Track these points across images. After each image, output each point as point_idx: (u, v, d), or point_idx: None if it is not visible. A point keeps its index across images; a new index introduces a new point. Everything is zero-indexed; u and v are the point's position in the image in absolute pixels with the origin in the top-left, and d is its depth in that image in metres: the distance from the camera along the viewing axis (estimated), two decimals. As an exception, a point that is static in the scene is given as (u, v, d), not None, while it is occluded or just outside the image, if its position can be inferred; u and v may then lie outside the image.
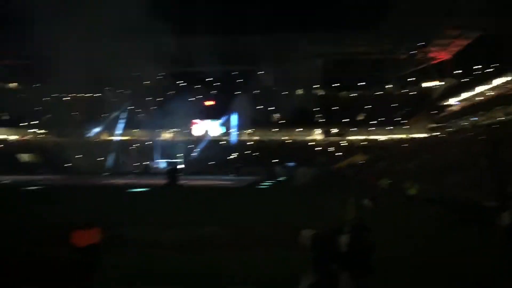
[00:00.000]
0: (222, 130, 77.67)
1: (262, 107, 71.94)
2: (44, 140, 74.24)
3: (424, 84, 74.22)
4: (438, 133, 61.30)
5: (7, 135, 73.36)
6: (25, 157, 65.79)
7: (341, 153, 65.51)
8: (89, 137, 74.75)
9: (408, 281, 9.36)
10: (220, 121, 77.25)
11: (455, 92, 62.01)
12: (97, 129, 75.03)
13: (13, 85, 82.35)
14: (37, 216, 17.28)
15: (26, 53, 79.52)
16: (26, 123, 73.60)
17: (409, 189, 23.60)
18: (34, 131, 76.03)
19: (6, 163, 58.12)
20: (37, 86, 78.32)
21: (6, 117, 73.36)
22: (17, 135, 74.00)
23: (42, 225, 14.94)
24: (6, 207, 19.66)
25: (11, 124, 73.35)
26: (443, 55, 69.93)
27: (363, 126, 72.93)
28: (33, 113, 71.48)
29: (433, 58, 70.63)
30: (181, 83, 78.88)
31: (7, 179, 44.33)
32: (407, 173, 37.06)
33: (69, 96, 76.96)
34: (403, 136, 68.25)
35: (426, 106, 67.38)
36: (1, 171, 52.35)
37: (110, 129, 75.25)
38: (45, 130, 76.11)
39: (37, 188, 32.92)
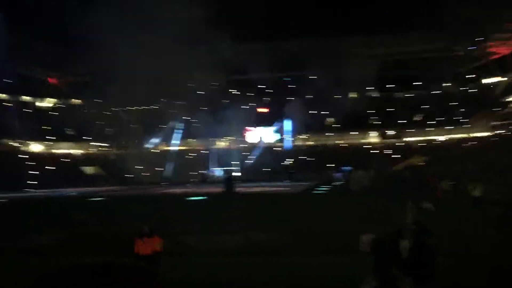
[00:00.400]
0: (276, 136, 77.83)
1: (315, 111, 71.40)
2: (106, 153, 77.36)
3: (484, 81, 71.10)
4: (501, 131, 58.48)
5: (72, 150, 76.94)
6: (88, 169, 68.67)
7: (398, 155, 63.80)
8: (148, 148, 77.13)
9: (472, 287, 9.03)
10: (273, 127, 77.46)
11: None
12: (155, 140, 77.25)
13: (76, 101, 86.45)
14: (101, 226, 18.05)
15: (87, 69, 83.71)
16: (89, 137, 76.82)
17: (473, 190, 22.55)
18: (96, 145, 79.37)
19: (71, 176, 60.91)
20: (98, 102, 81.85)
21: (70, 132, 76.98)
22: (81, 149, 77.46)
23: (106, 234, 15.59)
24: (71, 218, 20.63)
25: (75, 139, 76.88)
26: (503, 50, 66.74)
27: (421, 127, 70.82)
28: (95, 128, 74.61)
29: (492, 53, 67.54)
30: (234, 91, 79.76)
31: (72, 191, 46.52)
32: (470, 174, 35.66)
33: (128, 109, 79.70)
34: (464, 135, 65.62)
35: (487, 104, 64.47)
36: (66, 183, 55.04)
37: (168, 139, 77.26)
38: (106, 143, 79.30)
39: (100, 199, 34.29)
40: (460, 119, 66.96)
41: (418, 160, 58.84)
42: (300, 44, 67.73)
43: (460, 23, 60.74)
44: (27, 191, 49.20)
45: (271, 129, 77.85)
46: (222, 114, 68.90)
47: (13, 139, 68.34)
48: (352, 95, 77.59)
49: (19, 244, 14.73)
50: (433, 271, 6.72)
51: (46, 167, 61.81)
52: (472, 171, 39.26)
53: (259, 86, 78.84)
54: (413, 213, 8.53)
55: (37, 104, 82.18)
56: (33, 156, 67.91)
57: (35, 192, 48.60)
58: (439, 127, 68.60)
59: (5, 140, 68.01)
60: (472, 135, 64.43)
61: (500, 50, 66.80)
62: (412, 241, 6.83)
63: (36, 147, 74.11)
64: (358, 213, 19.91)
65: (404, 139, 71.55)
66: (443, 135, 68.56)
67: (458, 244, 11.93)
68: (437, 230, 7.18)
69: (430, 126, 69.32)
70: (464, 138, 64.31)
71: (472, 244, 12.45)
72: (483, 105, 64.51)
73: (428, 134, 70.28)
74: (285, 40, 67.41)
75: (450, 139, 66.28)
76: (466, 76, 72.94)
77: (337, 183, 46.19)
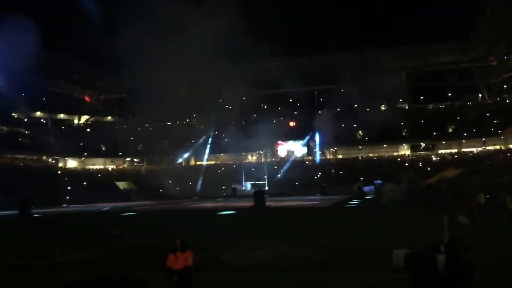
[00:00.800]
0: (306, 150, 77.58)
1: (346, 124, 70.86)
2: (138, 168, 78.69)
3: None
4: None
5: (105, 165, 78.57)
6: (121, 184, 69.89)
7: (431, 168, 62.53)
8: (179, 163, 78.05)
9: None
10: (303, 141, 77.26)
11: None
12: (186, 155, 78.13)
13: (109, 118, 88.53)
14: (134, 241, 18.32)
15: (121, 87, 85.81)
16: (122, 153, 78.34)
17: (510, 203, 21.91)
18: (129, 160, 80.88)
19: (105, 191, 62.07)
20: (130, 118, 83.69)
21: (104, 148, 78.71)
22: (114, 164, 78.99)
23: (140, 249, 15.84)
24: (106, 233, 21.01)
25: (109, 154, 78.54)
26: (537, 59, 65.08)
27: (454, 139, 69.39)
28: (128, 143, 76.06)
29: (526, 63, 65.88)
30: (264, 105, 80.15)
31: (106, 206, 47.38)
32: (506, 187, 34.65)
33: (160, 125, 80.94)
34: (499, 147, 63.89)
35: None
36: (101, 198, 56.12)
37: (198, 154, 78.03)
38: (139, 158, 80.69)
39: (134, 214, 34.82)
40: (495, 130, 65.22)
41: (452, 173, 57.57)
42: (330, 58, 67.71)
43: (494, 32, 59.65)
44: (63, 207, 50.37)
45: (300, 143, 77.69)
46: (252, 128, 69.23)
47: (50, 155, 70.31)
48: (383, 107, 76.78)
49: (56, 259, 15.07)
50: (470, 286, 6.58)
51: (81, 183, 63.22)
52: (508, 183, 38.12)
53: (289, 100, 79.01)
54: (448, 227, 8.38)
55: (72, 121, 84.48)
56: (69, 172, 69.65)
57: (71, 207, 49.71)
58: (473, 138, 67.02)
59: (42, 157, 70.07)
60: (507, 146, 62.68)
61: (534, 59, 65.16)
62: (449, 256, 6.71)
63: (71, 163, 76.04)
64: (391, 227, 19.61)
65: (438, 151, 70.21)
66: (477, 146, 66.97)
67: (494, 259, 11.60)
68: (472, 245, 7.03)
69: (464, 137, 67.81)
70: (499, 150, 62.61)
71: (508, 260, 12.09)
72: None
73: (462, 146, 68.81)
74: (315, 54, 67.46)
75: (485, 151, 64.65)
76: (500, 87, 71.23)
77: (369, 197, 45.57)
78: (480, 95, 74.63)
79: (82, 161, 77.57)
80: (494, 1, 52.16)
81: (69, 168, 73.34)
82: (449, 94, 76.78)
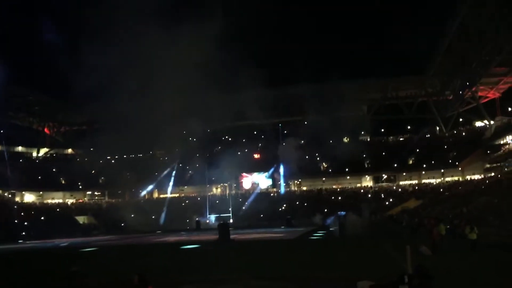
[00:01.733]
0: (270, 182, 77.73)
1: (310, 156, 71.68)
2: (99, 202, 76.75)
3: (475, 124, 72.14)
4: (494, 174, 58.80)
5: (65, 199, 76.32)
6: (81, 219, 67.87)
7: (393, 199, 63.69)
8: (141, 196, 76.67)
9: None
10: (267, 173, 77.48)
11: (509, 130, 59.76)
12: (149, 188, 76.90)
13: (69, 151, 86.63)
14: (94, 277, 17.68)
15: (82, 119, 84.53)
16: (82, 187, 76.40)
17: (469, 233, 22.44)
18: (90, 194, 78.88)
19: (64, 226, 60.03)
20: (91, 150, 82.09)
21: (63, 181, 76.63)
22: (74, 198, 76.83)
23: (100, 286, 15.29)
24: (64, 270, 20.21)
25: (69, 188, 76.42)
26: (492, 94, 68.20)
27: (414, 170, 71.15)
28: (89, 176, 74.35)
29: (481, 97, 68.89)
30: (228, 137, 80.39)
31: (65, 241, 45.74)
32: (465, 217, 35.59)
33: (121, 157, 79.70)
34: (457, 178, 65.89)
35: (478, 146, 65.13)
36: (59, 234, 54.18)
37: (162, 187, 76.95)
38: (100, 192, 78.84)
39: (93, 249, 33.73)
40: (453, 162, 67.27)
41: (413, 204, 58.76)
42: (294, 90, 68.96)
43: (449, 67, 62.35)
44: (19, 243, 48.32)
45: (265, 175, 77.87)
46: (217, 160, 69.05)
47: (6, 189, 67.81)
48: (346, 139, 78.28)
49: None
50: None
51: (39, 217, 61.07)
52: (467, 213, 39.17)
53: (253, 132, 79.59)
54: (411, 257, 8.49)
55: (31, 153, 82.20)
56: (26, 206, 67.25)
57: (27, 243, 47.74)
58: (432, 170, 68.88)
59: (-3, 191, 67.56)
60: (465, 177, 64.70)
61: (489, 94, 68.26)
62: (415, 286, 6.77)
63: (29, 197, 73.52)
64: (355, 259, 19.71)
65: (399, 182, 71.70)
66: (437, 178, 68.82)
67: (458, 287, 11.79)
68: (436, 274, 7.13)
69: (424, 169, 69.62)
70: (457, 181, 64.49)
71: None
72: (474, 148, 65.11)
73: (422, 177, 70.57)
74: (279, 86, 68.56)
75: (444, 182, 66.45)
76: (457, 120, 73.99)
77: (332, 228, 45.80)
78: (437, 128, 77.21)
79: (40, 195, 75.11)
80: (450, 37, 54.69)
81: (26, 203, 70.79)
82: (409, 127, 79.19)
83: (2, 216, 55.35)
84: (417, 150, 72.30)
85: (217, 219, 62.66)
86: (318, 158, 74.54)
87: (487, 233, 24.58)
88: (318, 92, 68.06)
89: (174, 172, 76.05)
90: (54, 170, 75.93)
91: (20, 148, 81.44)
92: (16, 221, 56.64)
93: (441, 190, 61.83)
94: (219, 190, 78.97)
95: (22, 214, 59.99)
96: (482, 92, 67.95)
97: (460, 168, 66.03)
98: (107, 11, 52.15)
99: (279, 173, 75.33)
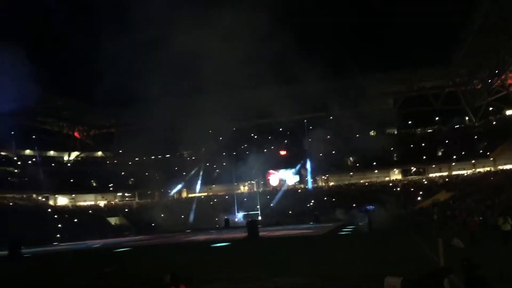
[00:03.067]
0: (297, 178, 77.53)
1: (336, 152, 71.16)
2: (129, 203, 78.01)
3: (505, 113, 70.35)
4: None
5: (96, 201, 77.84)
6: (113, 220, 69.12)
7: (422, 192, 62.69)
8: (170, 196, 77.57)
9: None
10: (294, 169, 77.30)
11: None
12: (177, 188, 77.73)
13: (99, 153, 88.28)
14: (127, 277, 18.03)
15: (109, 122, 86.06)
16: (113, 188, 77.75)
17: (503, 224, 21.96)
18: (120, 195, 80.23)
19: (96, 227, 61.30)
20: (120, 153, 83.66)
21: (94, 184, 78.18)
22: (105, 200, 78.29)
23: (133, 286, 15.58)
24: (98, 270, 20.68)
25: (100, 190, 77.90)
26: (522, 81, 66.38)
27: (444, 162, 69.88)
28: (118, 178, 75.65)
29: (511, 85, 67.08)
30: (254, 135, 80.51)
31: (97, 243, 46.73)
32: (497, 208, 34.83)
33: (150, 158, 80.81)
34: (488, 169, 64.42)
35: (510, 136, 63.47)
36: (92, 235, 55.38)
37: (190, 186, 77.69)
38: (130, 193, 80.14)
39: (126, 250, 34.35)
40: (484, 152, 65.84)
41: (444, 196, 57.75)
42: (318, 85, 68.56)
43: (476, 56, 60.94)
44: (54, 245, 49.57)
45: (292, 171, 77.72)
46: (244, 158, 69.26)
47: (40, 193, 69.59)
48: (373, 133, 77.45)
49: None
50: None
51: (72, 220, 62.47)
52: (500, 205, 38.30)
53: (279, 129, 79.49)
54: (443, 250, 8.35)
55: (62, 157, 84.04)
56: (59, 209, 68.85)
57: (61, 245, 48.94)
58: (463, 161, 67.50)
59: (32, 195, 69.31)
60: (497, 168, 63.24)
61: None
62: (468, 278, 6.69)
63: (61, 200, 75.25)
64: (384, 254, 19.54)
65: (429, 175, 70.55)
66: (467, 169, 67.44)
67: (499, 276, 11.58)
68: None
69: (454, 160, 68.30)
70: (489, 171, 63.09)
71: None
72: (506, 137, 63.53)
73: (452, 169, 69.26)
74: (304, 83, 68.25)
75: (476, 173, 65.09)
76: (487, 109, 72.29)
77: (362, 223, 45.46)
78: (467, 118, 75.64)
79: (73, 198, 76.79)
80: (476, 25, 53.47)
81: (59, 206, 72.49)
82: (437, 118, 77.80)
83: (37, 220, 56.77)
84: (446, 141, 70.99)
85: (245, 216, 62.91)
86: (345, 153, 73.82)
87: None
88: (342, 87, 67.48)
89: (201, 171, 76.64)
90: (85, 173, 77.49)
91: (51, 153, 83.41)
92: (50, 224, 58.10)
93: (472, 181, 60.55)
94: (246, 188, 79.22)
95: (56, 216, 61.41)
96: (511, 80, 66.18)
97: (491, 158, 64.58)
98: (136, 14, 53.05)
99: (306, 169, 75.07)
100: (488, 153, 64.23)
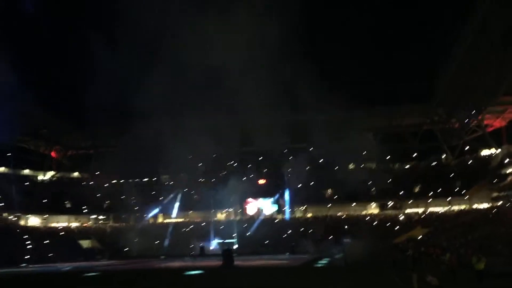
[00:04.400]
0: (275, 208, 77.33)
1: (315, 183, 71.37)
2: (103, 226, 76.49)
3: (481, 153, 71.86)
4: (501, 203, 58.27)
5: (69, 223, 76.13)
6: (85, 243, 67.58)
7: (398, 227, 63.04)
8: (146, 220, 76.39)
9: None
10: (273, 199, 77.14)
11: (516, 159, 59.38)
12: (154, 212, 76.65)
13: (75, 174, 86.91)
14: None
15: (87, 143, 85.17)
16: (87, 210, 76.25)
17: (477, 263, 22.07)
18: (94, 218, 78.68)
19: (68, 250, 59.83)
20: (97, 174, 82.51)
21: (69, 205, 76.58)
22: (79, 222, 76.64)
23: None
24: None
25: (74, 212, 76.25)
26: (498, 123, 68.14)
27: (420, 199, 70.59)
28: (93, 200, 74.35)
29: (487, 126, 68.82)
30: (234, 162, 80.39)
31: (67, 265, 45.56)
32: (472, 246, 35.21)
33: (126, 182, 79.82)
34: (463, 207, 65.31)
35: (485, 175, 64.73)
36: (63, 258, 54.01)
37: (166, 211, 76.69)
38: (104, 216, 78.69)
39: (96, 274, 33.52)
40: (459, 190, 66.82)
41: (419, 232, 58.12)
42: (299, 116, 69.37)
43: (454, 95, 62.53)
44: (22, 266, 48.13)
45: (270, 201, 77.51)
46: (222, 185, 68.93)
47: (11, 212, 67.78)
48: (351, 166, 78.13)
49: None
50: None
51: (43, 241, 60.91)
52: (474, 243, 38.72)
53: (259, 158, 79.64)
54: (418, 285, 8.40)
55: (37, 176, 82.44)
56: (30, 229, 67.09)
57: (30, 267, 47.56)
58: (439, 198, 68.34)
59: (2, 214, 67.44)
60: (471, 206, 64.15)
61: (495, 122, 68.23)
62: None
63: (33, 220, 73.43)
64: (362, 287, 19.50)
65: (405, 210, 71.12)
66: (443, 206, 68.23)
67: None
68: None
69: (430, 197, 69.06)
70: (464, 210, 63.91)
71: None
72: (481, 176, 64.76)
73: (429, 205, 69.99)
74: (286, 113, 68.92)
75: (451, 211, 65.85)
76: (463, 148, 73.71)
77: (338, 256, 45.37)
78: (444, 155, 76.93)
79: (45, 219, 74.96)
80: (455, 65, 55.02)
81: (30, 226, 70.62)
82: (415, 155, 78.96)
83: (5, 240, 55.21)
84: (423, 178, 71.89)
85: (221, 244, 62.20)
86: (323, 185, 74.11)
87: (495, 262, 24.22)
88: (323, 119, 68.26)
89: (179, 196, 75.82)
90: (59, 193, 75.88)
91: (26, 171, 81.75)
92: (19, 244, 56.55)
93: (447, 219, 61.20)
94: (224, 215, 78.58)
95: (26, 237, 59.78)
96: (488, 121, 67.90)
97: (467, 197, 65.55)
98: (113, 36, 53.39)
99: (284, 199, 74.99)
100: (463, 192, 65.19)
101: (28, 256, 53.67)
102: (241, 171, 75.72)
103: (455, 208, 66.19)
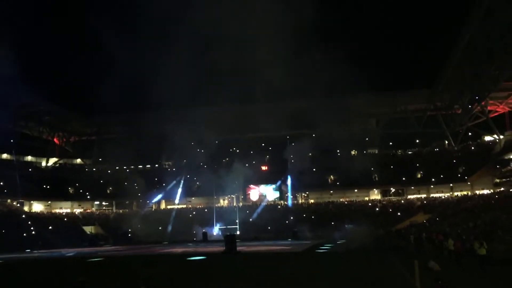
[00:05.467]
0: (277, 194, 77.55)
1: (317, 169, 71.31)
2: (106, 212, 76.93)
3: (484, 139, 71.62)
4: (503, 189, 58.26)
5: (73, 209, 76.58)
6: (88, 229, 68.02)
7: (400, 213, 63.23)
8: (149, 206, 76.75)
9: None
10: (275, 185, 77.33)
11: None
12: (156, 199, 76.95)
13: (78, 161, 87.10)
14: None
15: (90, 130, 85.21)
16: (90, 196, 76.63)
17: (479, 249, 22.10)
18: (97, 204, 79.12)
19: (72, 235, 60.19)
20: (100, 161, 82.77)
21: (72, 191, 76.98)
22: (82, 208, 77.09)
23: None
24: (69, 280, 20.24)
25: (77, 198, 76.69)
26: (501, 108, 67.83)
27: (422, 184, 70.65)
28: (96, 186, 74.67)
29: (490, 112, 68.48)
30: (236, 149, 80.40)
31: (71, 251, 45.87)
32: (473, 232, 35.24)
33: (130, 168, 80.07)
34: (466, 192, 65.35)
35: (488, 161, 64.61)
36: (67, 243, 54.37)
37: (169, 197, 76.97)
38: (107, 202, 79.09)
39: (99, 260, 33.74)
40: (462, 176, 66.74)
41: (421, 218, 58.28)
42: (302, 102, 69.07)
43: (458, 81, 62.08)
44: (26, 252, 48.50)
45: (272, 187, 77.75)
46: (224, 172, 69.05)
47: (15, 199, 68.14)
48: (354, 152, 78.05)
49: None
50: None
51: (47, 227, 61.32)
52: (476, 229, 38.75)
53: (261, 144, 79.56)
54: (419, 272, 8.41)
55: (40, 163, 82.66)
56: (34, 215, 67.51)
57: (34, 252, 47.92)
58: (441, 184, 68.39)
59: (6, 200, 67.81)
60: (474, 192, 64.16)
61: (498, 108, 67.89)
62: None
63: (37, 206, 73.88)
64: (362, 273, 19.55)
65: (407, 196, 71.22)
66: (445, 192, 68.30)
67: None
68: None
69: (432, 183, 69.08)
70: (466, 195, 63.95)
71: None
72: (483, 162, 64.61)
73: (431, 191, 70.08)
74: (289, 99, 68.62)
75: (453, 196, 65.91)
76: (466, 134, 73.45)
77: (340, 242, 45.52)
78: (446, 142, 76.71)
79: (49, 205, 75.44)
80: (459, 51, 54.53)
81: (34, 212, 71.10)
82: (417, 141, 78.76)
83: (10, 225, 55.57)
84: (425, 164, 71.81)
85: (224, 230, 62.50)
86: (326, 171, 74.11)
87: (497, 249, 24.25)
88: (326, 105, 68.00)
89: (182, 183, 76.04)
90: (62, 180, 76.23)
91: (29, 158, 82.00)
92: (23, 230, 56.93)
93: (450, 204, 61.29)
94: (226, 202, 78.89)
95: (30, 223, 60.17)
96: (491, 107, 67.59)
97: (469, 183, 65.57)
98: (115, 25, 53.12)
99: (286, 185, 75.16)
100: (466, 178, 65.15)
101: (33, 242, 54.03)
102: (243, 157, 75.69)
103: (458, 194, 66.24)
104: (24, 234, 56.34)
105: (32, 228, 58.56)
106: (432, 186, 69.70)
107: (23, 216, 64.20)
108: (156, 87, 57.66)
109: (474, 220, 44.19)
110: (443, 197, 67.10)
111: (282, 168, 74.57)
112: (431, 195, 69.57)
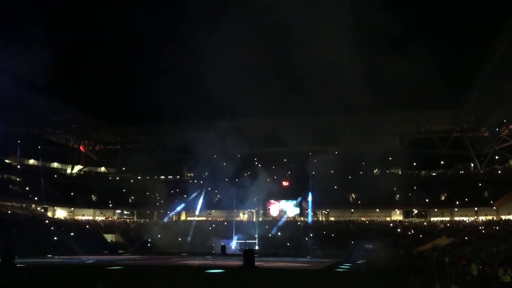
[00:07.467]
0: (298, 210, 77.10)
1: (338, 187, 70.75)
2: (127, 221, 77.70)
3: (511, 162, 70.10)
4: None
5: (95, 216, 77.58)
6: (109, 237, 68.71)
7: (422, 235, 62.05)
8: (169, 217, 77.23)
9: None
10: (295, 201, 76.95)
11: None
12: (177, 210, 77.40)
13: (102, 169, 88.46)
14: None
15: (115, 139, 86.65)
16: (112, 205, 77.60)
17: (503, 275, 21.54)
18: (119, 212, 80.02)
19: (92, 243, 60.86)
20: (123, 170, 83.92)
21: (94, 199, 78.10)
22: (104, 216, 78.01)
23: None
24: (88, 286, 20.47)
25: (99, 205, 77.76)
26: (528, 132, 66.48)
27: (446, 207, 69.36)
28: (119, 195, 75.64)
29: (518, 135, 67.10)
30: (258, 163, 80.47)
31: (91, 258, 46.33)
32: (498, 258, 34.34)
33: (152, 178, 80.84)
34: (491, 217, 63.85)
35: (515, 185, 63.05)
36: (87, 250, 54.97)
37: (189, 209, 77.36)
38: (129, 211, 79.95)
39: (119, 268, 33.99)
40: (487, 200, 65.32)
41: (444, 242, 57.11)
42: (327, 119, 68.94)
43: (485, 103, 61.19)
44: (48, 257, 49.19)
45: (293, 203, 77.36)
46: (246, 186, 69.09)
47: (39, 204, 69.45)
48: (377, 171, 77.25)
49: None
50: None
51: (69, 233, 62.18)
52: (501, 254, 37.79)
53: (283, 159, 79.47)
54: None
55: (65, 170, 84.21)
56: (57, 221, 68.58)
57: (55, 258, 48.57)
58: (465, 207, 67.00)
59: (31, 205, 69.15)
60: (499, 217, 62.68)
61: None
62: None
63: (60, 212, 75.09)
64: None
65: (430, 218, 69.98)
66: (469, 216, 66.86)
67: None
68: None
69: (456, 206, 67.76)
70: (491, 220, 62.49)
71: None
72: (511, 187, 63.11)
73: (455, 214, 68.71)
74: (311, 115, 68.57)
75: (477, 221, 64.47)
76: (492, 157, 72.03)
77: (359, 262, 44.90)
78: (472, 164, 75.36)
79: (71, 211, 76.60)
80: (487, 73, 53.85)
81: (57, 218, 72.25)
82: (442, 162, 77.55)
83: (33, 230, 56.53)
84: (450, 186, 70.56)
85: (242, 245, 62.37)
86: (347, 189, 73.50)
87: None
88: (350, 122, 67.65)
89: (203, 195, 76.39)
90: (86, 187, 77.50)
91: (55, 164, 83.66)
92: (46, 235, 57.81)
93: (474, 229, 59.92)
94: (246, 216, 78.80)
95: (52, 228, 61.10)
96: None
97: (494, 207, 64.08)
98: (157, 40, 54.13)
99: (307, 202, 74.68)
100: (491, 202, 63.75)
101: (54, 248, 54.77)
102: (265, 172, 75.68)
103: (482, 218, 64.80)
104: (48, 240, 57.15)
105: (54, 233, 59.40)
106: (456, 209, 68.36)
107: (47, 221, 65.30)
108: (181, 99, 58.39)
109: (498, 246, 43.14)
110: (467, 221, 65.67)
111: (303, 184, 74.23)
112: (455, 218, 68.18)
